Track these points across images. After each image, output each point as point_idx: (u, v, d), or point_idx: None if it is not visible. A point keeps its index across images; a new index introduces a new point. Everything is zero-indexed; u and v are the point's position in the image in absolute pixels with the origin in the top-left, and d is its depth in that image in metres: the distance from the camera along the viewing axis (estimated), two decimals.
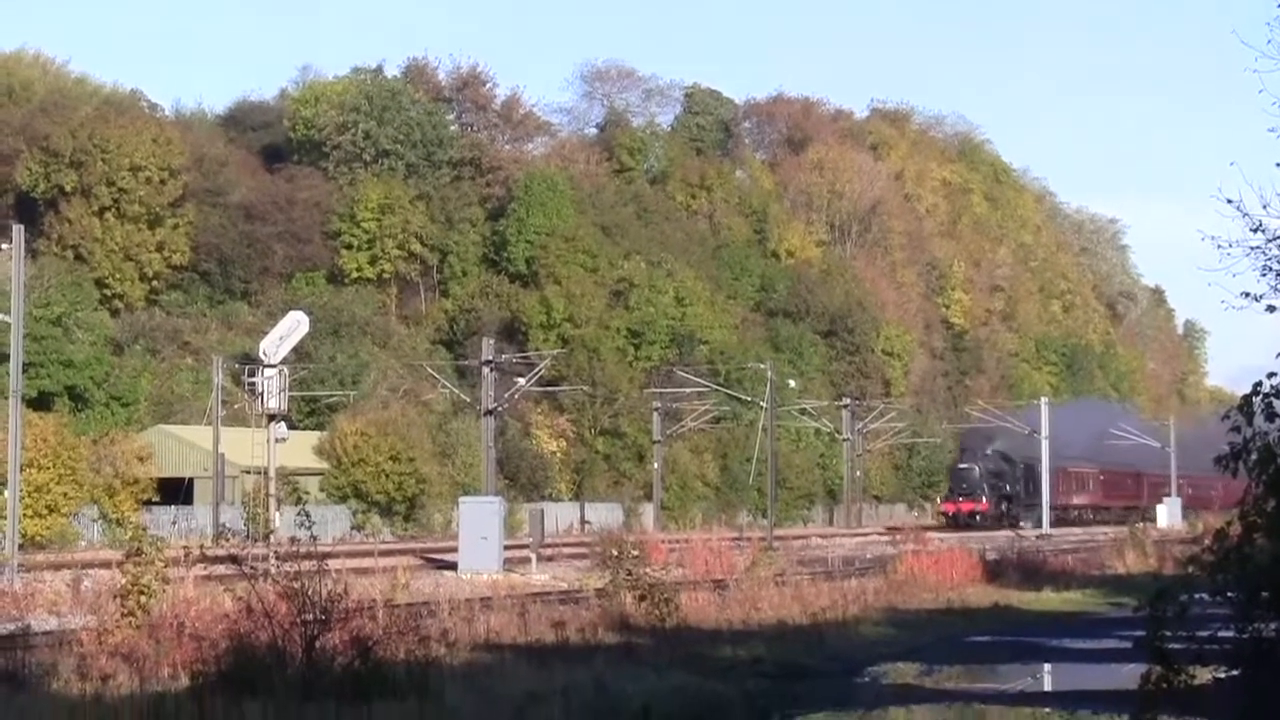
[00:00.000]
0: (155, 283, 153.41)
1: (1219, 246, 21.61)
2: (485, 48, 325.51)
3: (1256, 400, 19.98)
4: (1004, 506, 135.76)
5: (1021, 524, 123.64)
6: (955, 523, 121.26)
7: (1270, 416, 19.91)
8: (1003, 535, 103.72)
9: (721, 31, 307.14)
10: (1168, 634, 21.81)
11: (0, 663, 30.04)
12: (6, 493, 67.16)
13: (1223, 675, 21.91)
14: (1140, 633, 22.93)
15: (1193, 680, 21.60)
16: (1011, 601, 61.15)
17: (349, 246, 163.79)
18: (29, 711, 25.84)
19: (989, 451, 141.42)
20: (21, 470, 68.40)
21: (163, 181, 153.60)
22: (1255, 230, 21.80)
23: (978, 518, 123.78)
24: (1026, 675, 39.88)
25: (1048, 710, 33.35)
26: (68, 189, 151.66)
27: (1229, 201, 21.74)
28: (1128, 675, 24.01)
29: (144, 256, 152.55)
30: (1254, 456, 20.13)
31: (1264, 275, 21.48)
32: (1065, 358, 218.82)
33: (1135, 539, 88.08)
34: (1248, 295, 21.60)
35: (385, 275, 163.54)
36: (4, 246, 79.07)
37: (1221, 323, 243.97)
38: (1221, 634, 21.73)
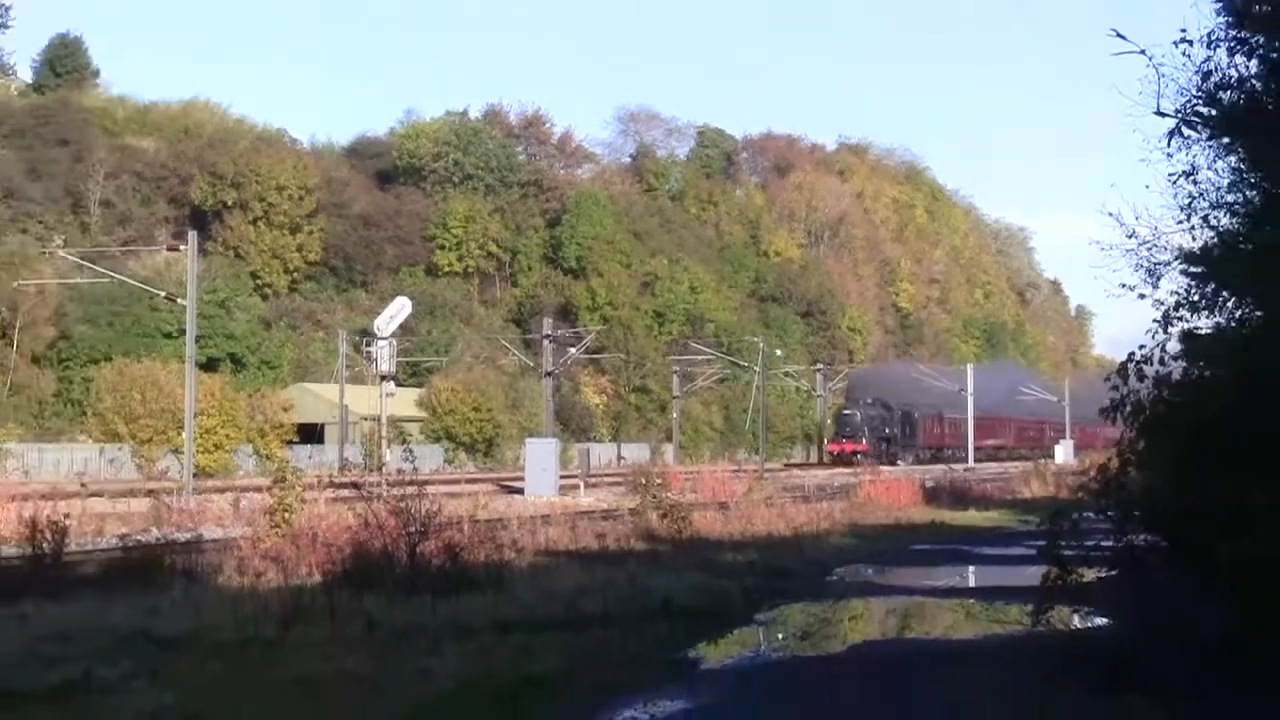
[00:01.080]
0: (295, 275, 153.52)
1: (1102, 249, 21.70)
2: (545, 95, 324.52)
3: (1130, 366, 20.10)
4: (884, 446, 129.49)
5: (898, 460, 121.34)
6: (839, 460, 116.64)
7: (1140, 378, 20.04)
8: (939, 469, 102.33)
9: (724, 82, 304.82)
10: (1062, 544, 22.04)
11: (181, 562, 30.07)
12: (184, 434, 67.22)
13: (1104, 575, 21.91)
14: (1042, 542, 23.06)
15: (1081, 579, 21.77)
16: (944, 519, 61.08)
17: (441, 247, 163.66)
18: (203, 599, 25.90)
19: (870, 400, 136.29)
20: (195, 417, 68.47)
21: (300, 198, 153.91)
22: (1130, 237, 21.83)
23: (858, 456, 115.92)
24: (955, 575, 39.80)
25: (972, 601, 33.28)
26: (229, 204, 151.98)
27: (1110, 214, 21.80)
28: (1032, 574, 23.97)
29: (287, 255, 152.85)
30: (1128, 408, 20.28)
31: (1136, 271, 21.54)
32: (985, 333, 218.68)
33: (1038, 472, 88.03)
34: (1124, 286, 21.70)
35: (469, 269, 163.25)
36: (182, 248, 79.26)
37: (1104, 306, 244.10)
38: (1103, 544, 21.76)
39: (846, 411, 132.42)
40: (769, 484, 66.10)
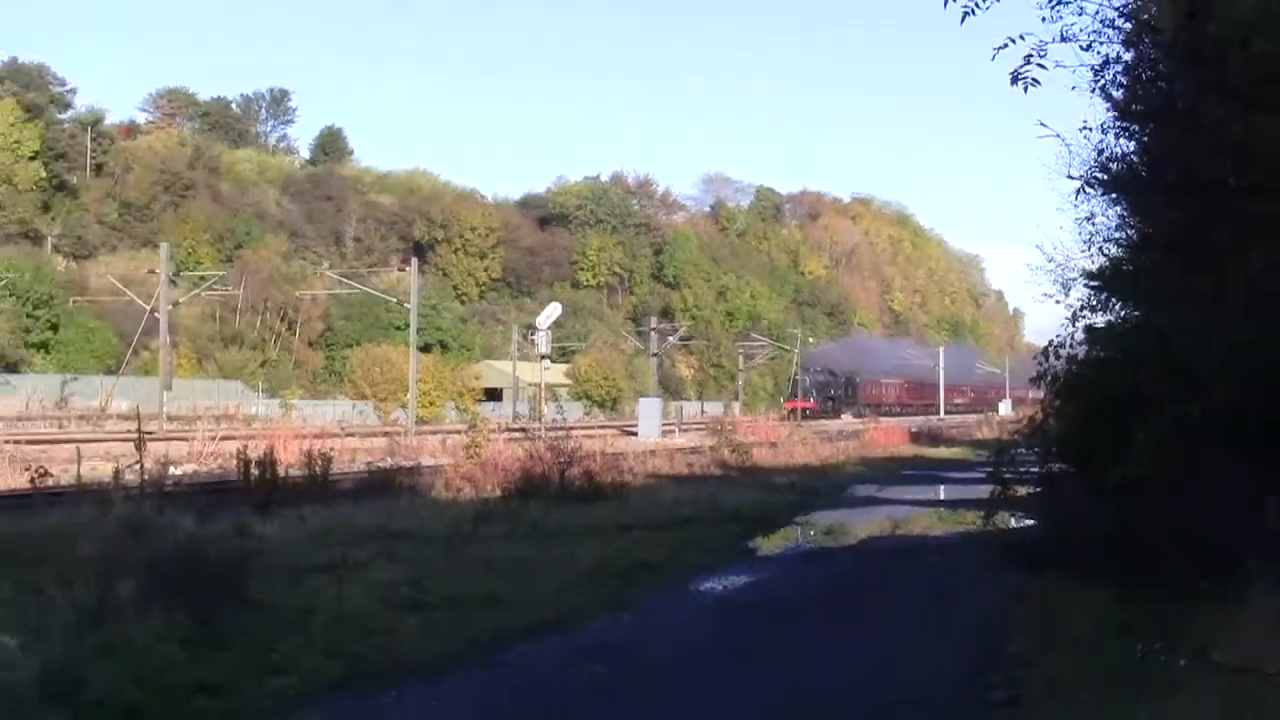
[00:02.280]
0: (482, 287, 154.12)
1: (1031, 269, 21.96)
2: (652, 163, 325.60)
3: (1050, 349, 20.12)
4: (829, 404, 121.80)
5: (842, 415, 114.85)
6: (793, 415, 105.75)
7: (1057, 357, 20.05)
8: (919, 419, 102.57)
9: (774, 153, 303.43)
10: (1004, 470, 21.96)
11: (406, 481, 30.27)
12: (409, 395, 67.55)
13: (1031, 491, 21.87)
14: (990, 469, 22.96)
15: (1016, 494, 21.69)
16: (925, 454, 60.99)
17: (581, 269, 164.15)
18: (421, 506, 26.11)
19: (819, 368, 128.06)
20: (415, 383, 68.88)
21: (486, 235, 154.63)
22: (1049, 261, 22.07)
23: (807, 412, 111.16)
24: (931, 491, 39.75)
25: (943, 509, 33.37)
26: (439, 239, 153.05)
27: (1037, 246, 22.09)
28: (983, 490, 23.96)
29: (477, 274, 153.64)
30: (1049, 378, 20.31)
31: (1054, 284, 21.73)
32: (952, 327, 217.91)
33: (988, 421, 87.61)
34: (1045, 295, 21.98)
35: (600, 284, 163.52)
36: (407, 269, 79.86)
37: (1032, 309, 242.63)
38: (1031, 470, 21.73)
39: (799, 377, 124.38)
40: (804, 430, 66.05)
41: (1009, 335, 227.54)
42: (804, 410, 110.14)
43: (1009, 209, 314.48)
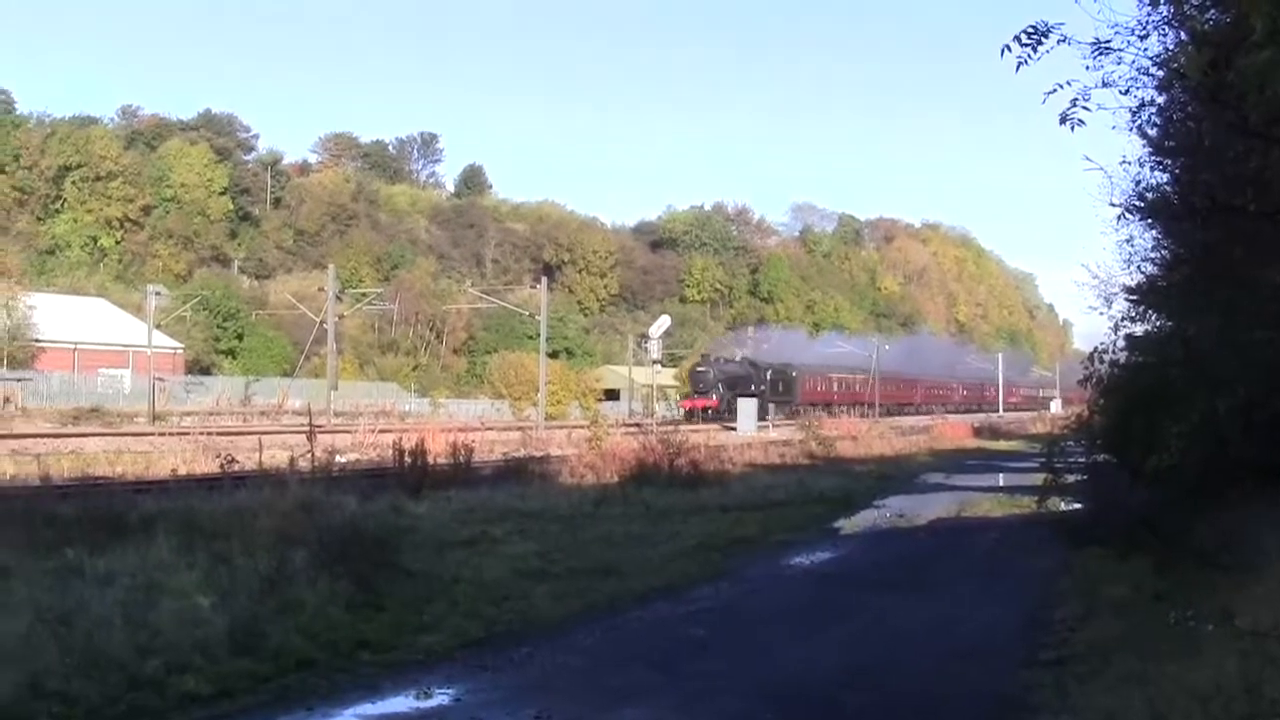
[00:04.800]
0: (602, 302, 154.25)
1: (1078, 285, 22.01)
2: (749, 194, 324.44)
3: (1095, 355, 19.98)
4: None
5: (767, 416, 76.73)
6: (691, 417, 79.08)
7: (1100, 362, 19.90)
8: (980, 416, 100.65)
9: (856, 183, 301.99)
10: (1055, 460, 21.85)
11: (537, 469, 30.41)
12: (539, 395, 67.77)
13: (1078, 478, 21.73)
14: (1042, 459, 22.88)
15: (1066, 481, 21.54)
16: (986, 446, 60.69)
17: (688, 286, 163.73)
18: (549, 490, 26.25)
19: (729, 359, 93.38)
20: (545, 384, 69.14)
21: (605, 257, 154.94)
22: (1094, 278, 21.78)
23: (709, 412, 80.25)
24: (991, 478, 39.50)
25: (1000, 494, 33.07)
26: (565, 261, 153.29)
27: (1083, 265, 22.09)
28: (1036, 478, 23.88)
29: (598, 290, 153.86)
30: (1094, 380, 20.15)
31: (1098, 298, 21.47)
32: (1009, 336, 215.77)
33: (1040, 418, 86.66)
34: (1091, 308, 21.68)
35: (704, 299, 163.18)
36: (536, 287, 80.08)
37: (1080, 320, 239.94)
38: (1078, 460, 21.63)
39: (700, 369, 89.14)
40: (881, 425, 65.68)
41: (1059, 343, 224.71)
42: (705, 411, 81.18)
43: (1059, 232, 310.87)
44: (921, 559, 19.50)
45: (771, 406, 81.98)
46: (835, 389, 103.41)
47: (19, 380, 73.37)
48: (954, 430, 69.12)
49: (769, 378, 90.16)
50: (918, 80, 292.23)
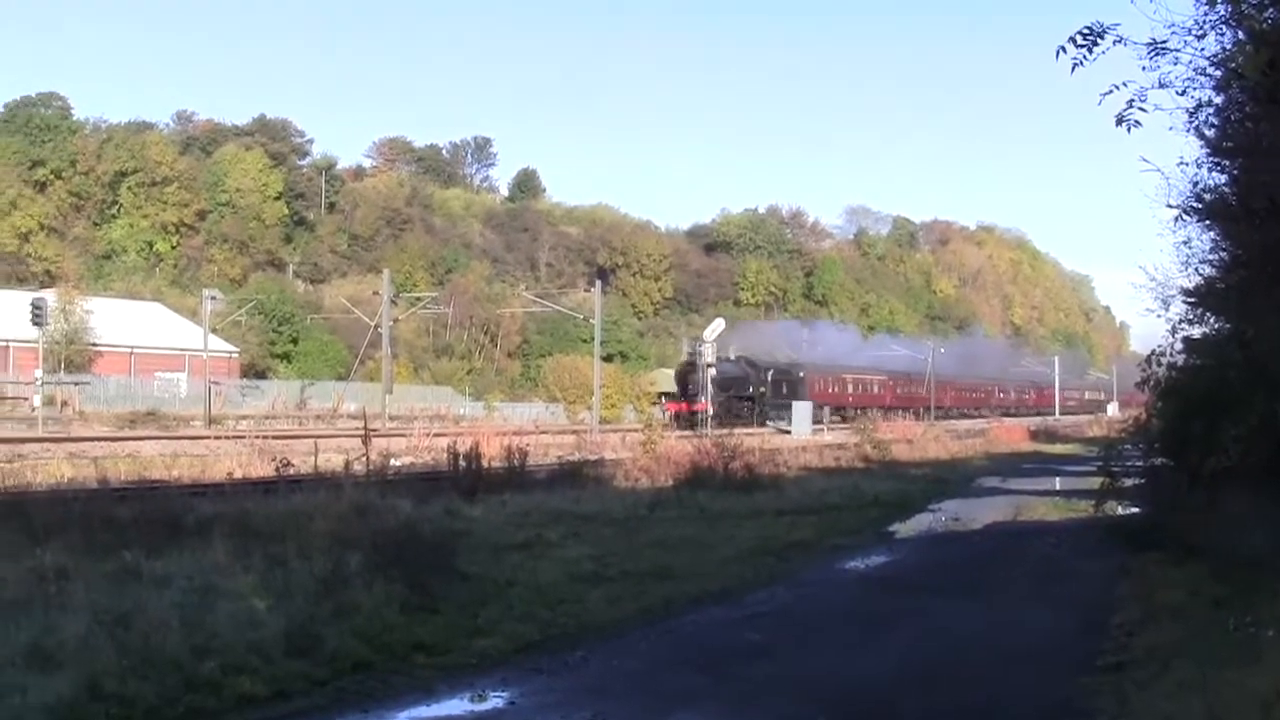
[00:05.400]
0: (656, 305, 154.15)
1: (1135, 287, 21.47)
2: (803, 197, 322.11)
3: (1152, 358, 19.89)
4: (745, 406, 77.92)
5: (769, 421, 73.88)
6: (678, 421, 68.96)
7: (1158, 365, 19.79)
8: (1037, 419, 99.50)
9: (911, 185, 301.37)
10: (1112, 463, 21.76)
11: (591, 472, 30.46)
12: (594, 398, 67.87)
13: (1136, 482, 21.61)
14: (1099, 463, 22.75)
15: (1123, 484, 21.45)
16: (1042, 450, 60.44)
17: (742, 289, 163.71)
18: (604, 493, 26.35)
19: (732, 358, 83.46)
20: (599, 388, 69.25)
21: (659, 261, 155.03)
22: (1151, 280, 21.59)
23: (698, 416, 69.02)
24: (1047, 482, 39.23)
25: (1058, 498, 32.83)
26: (619, 264, 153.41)
27: (1140, 267, 21.62)
28: (1093, 482, 23.76)
29: (652, 294, 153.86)
30: (1151, 383, 20.04)
31: (1155, 300, 21.27)
32: (1064, 338, 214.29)
33: (1097, 421, 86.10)
34: (1148, 310, 21.47)
35: (758, 302, 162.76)
36: (590, 290, 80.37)
37: (1137, 322, 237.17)
38: (1136, 464, 21.52)
39: (689, 368, 79.21)
40: (936, 428, 65.45)
41: (1116, 345, 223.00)
42: (691, 415, 71.70)
43: (1115, 234, 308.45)
44: (977, 563, 19.41)
45: (771, 410, 77.04)
46: (851, 391, 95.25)
47: (77, 384, 74.03)
48: (1010, 433, 68.87)
49: (770, 379, 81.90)
50: (972, 82, 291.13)
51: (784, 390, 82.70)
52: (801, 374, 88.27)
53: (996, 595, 15.89)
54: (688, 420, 69.36)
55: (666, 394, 75.41)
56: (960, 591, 16.15)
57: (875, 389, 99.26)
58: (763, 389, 79.98)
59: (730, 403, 74.23)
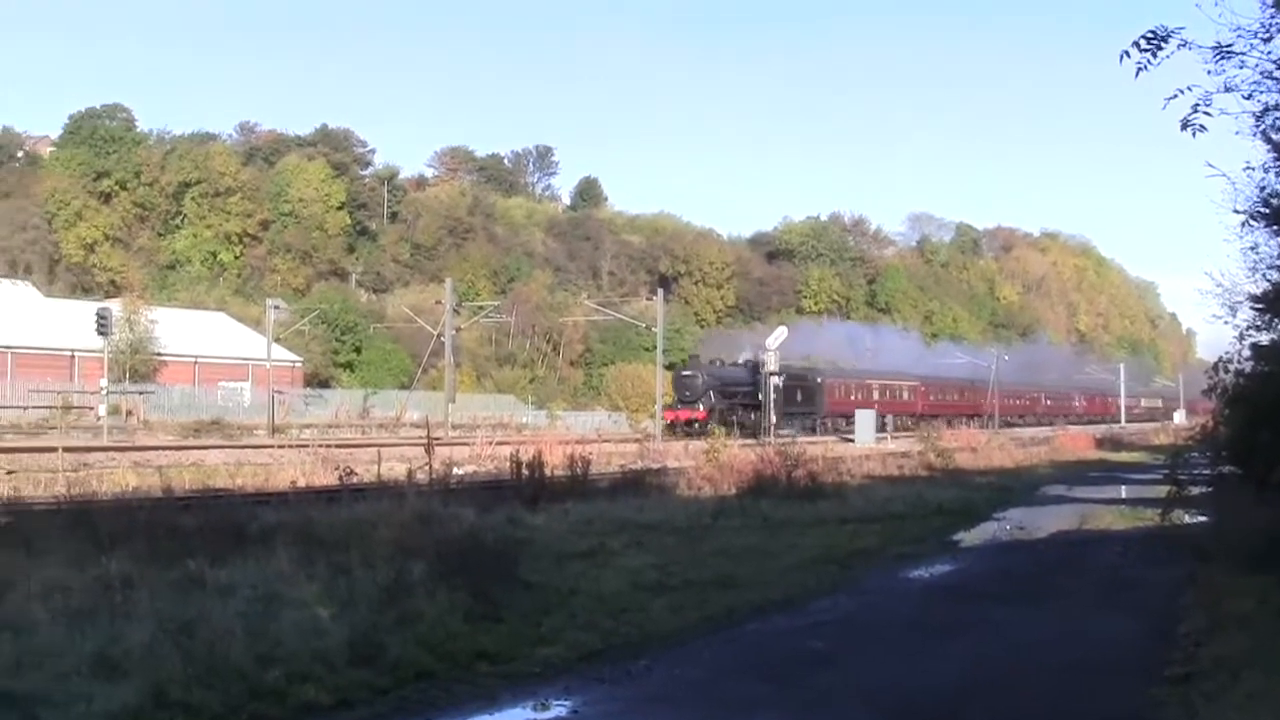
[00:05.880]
0: (719, 313, 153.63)
1: (1201, 293, 21.27)
2: (866, 205, 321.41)
3: (1220, 365, 19.70)
4: (750, 414, 73.32)
5: (783, 430, 65.37)
6: (674, 429, 65.55)
7: (1225, 372, 19.65)
8: (1102, 427, 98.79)
9: (973, 192, 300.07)
10: (1178, 472, 21.54)
11: (654, 480, 30.47)
12: (656, 407, 67.85)
13: (1203, 490, 21.45)
14: (1166, 471, 22.60)
15: (1190, 493, 21.29)
16: (1108, 458, 59.98)
17: (804, 297, 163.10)
18: (667, 502, 26.35)
19: (741, 360, 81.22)
20: (661, 396, 69.17)
21: (721, 269, 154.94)
22: (1218, 286, 21.36)
23: (696, 425, 65.20)
24: (1113, 491, 38.95)
25: (1123, 506, 32.58)
26: (681, 273, 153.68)
27: (1206, 273, 21.42)
28: (1160, 490, 23.60)
29: (714, 302, 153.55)
30: (1219, 390, 19.92)
31: (1222, 306, 21.03)
32: (1130, 345, 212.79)
33: (1163, 429, 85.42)
34: (1215, 316, 21.22)
35: (820, 310, 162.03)
36: (653, 299, 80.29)
37: (1203, 329, 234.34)
38: (1203, 472, 21.36)
39: (686, 373, 75.61)
40: (1000, 436, 65.09)
41: (1182, 352, 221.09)
42: (688, 423, 67.83)
43: (1181, 240, 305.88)
44: (1042, 572, 19.27)
45: (783, 418, 71.91)
46: (877, 399, 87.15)
47: (141, 393, 74.84)
48: (1075, 441, 68.41)
49: (781, 384, 75.23)
50: (1035, 87, 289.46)
51: (798, 398, 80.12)
52: (820, 380, 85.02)
53: (1061, 604, 15.79)
54: (684, 428, 66.15)
55: (667, 404, 70.61)
56: (1025, 600, 16.06)
57: (906, 395, 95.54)
58: (773, 395, 73.27)
59: (734, 409, 71.39)
